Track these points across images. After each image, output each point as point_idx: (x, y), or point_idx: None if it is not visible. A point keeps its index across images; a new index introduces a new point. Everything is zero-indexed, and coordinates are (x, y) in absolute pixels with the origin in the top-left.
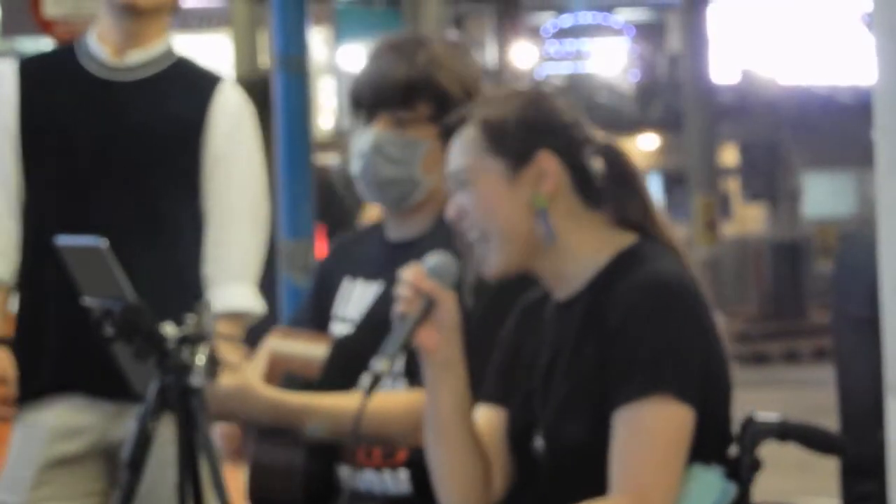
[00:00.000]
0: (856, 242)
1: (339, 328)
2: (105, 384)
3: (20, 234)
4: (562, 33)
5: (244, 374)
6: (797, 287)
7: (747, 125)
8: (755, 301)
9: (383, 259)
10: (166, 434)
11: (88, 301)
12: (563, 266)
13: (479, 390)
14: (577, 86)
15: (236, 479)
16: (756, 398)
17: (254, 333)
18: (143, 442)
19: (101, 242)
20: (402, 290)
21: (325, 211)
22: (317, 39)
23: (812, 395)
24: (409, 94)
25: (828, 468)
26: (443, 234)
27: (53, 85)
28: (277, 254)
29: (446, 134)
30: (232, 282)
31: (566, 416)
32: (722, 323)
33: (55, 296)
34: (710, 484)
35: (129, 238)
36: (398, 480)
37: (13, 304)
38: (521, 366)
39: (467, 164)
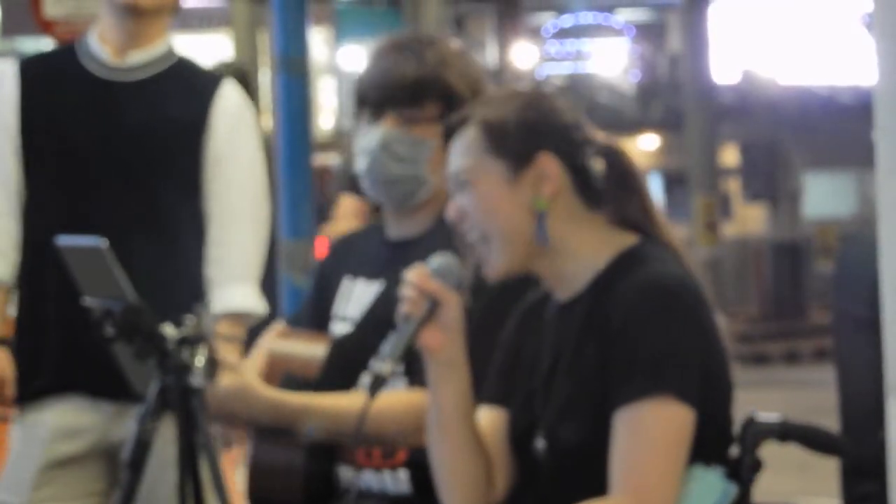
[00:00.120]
0: (856, 243)
1: (340, 327)
2: (106, 384)
3: (20, 234)
4: (562, 33)
5: (244, 375)
6: (797, 287)
7: (748, 125)
8: (755, 301)
9: (384, 258)
10: (167, 434)
11: (89, 301)
12: (563, 267)
13: (480, 391)
14: (577, 86)
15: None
16: (756, 398)
17: (255, 333)
18: (144, 442)
19: (101, 243)
20: (406, 291)
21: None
22: (317, 40)
23: (812, 396)
24: (418, 92)
25: (828, 469)
26: (443, 234)
27: (54, 85)
28: (278, 254)
29: (449, 133)
30: (233, 282)
31: (567, 417)
32: (723, 324)
33: (55, 296)
34: (710, 484)
35: (129, 238)
36: (398, 480)
37: (12, 304)
38: (522, 366)
39: (468, 164)
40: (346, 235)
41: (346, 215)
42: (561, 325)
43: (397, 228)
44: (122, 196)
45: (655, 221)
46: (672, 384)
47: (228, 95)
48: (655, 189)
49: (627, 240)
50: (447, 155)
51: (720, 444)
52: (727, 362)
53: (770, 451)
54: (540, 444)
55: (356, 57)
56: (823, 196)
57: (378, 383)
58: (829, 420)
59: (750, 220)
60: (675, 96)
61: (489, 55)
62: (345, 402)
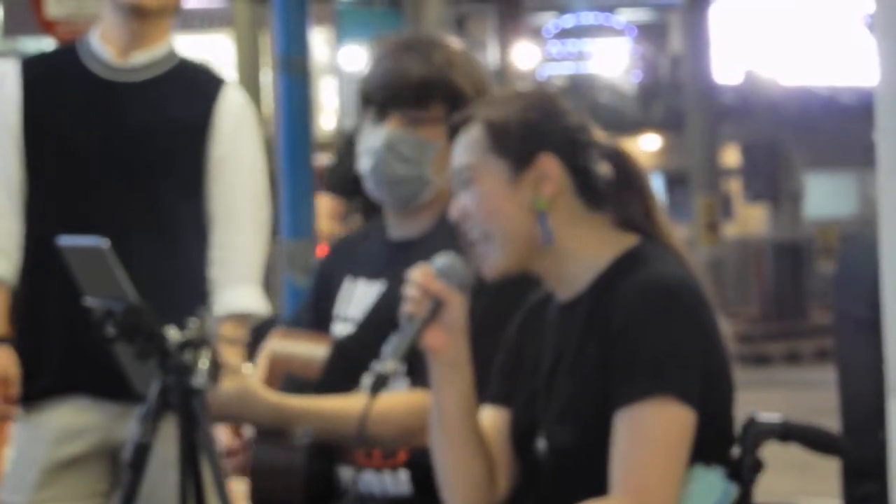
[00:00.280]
0: (857, 243)
1: (341, 328)
2: (108, 385)
3: (22, 234)
4: (564, 34)
5: (245, 378)
6: (798, 288)
7: (749, 126)
8: (756, 302)
9: (385, 258)
10: (168, 435)
11: (90, 301)
12: (564, 267)
13: (481, 390)
14: (578, 86)
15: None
16: (757, 399)
17: (258, 334)
18: (145, 442)
19: (102, 243)
20: (410, 291)
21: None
22: (318, 40)
23: (813, 396)
24: (424, 93)
25: (829, 469)
26: (446, 234)
27: (56, 85)
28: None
29: (453, 132)
30: (237, 283)
31: (568, 417)
32: (725, 325)
33: (57, 296)
34: (711, 484)
35: (130, 238)
36: (398, 481)
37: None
38: (524, 367)
39: (470, 162)
40: (347, 235)
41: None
42: (562, 326)
43: (399, 229)
44: (124, 196)
45: (657, 223)
46: (673, 385)
47: (231, 97)
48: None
49: (628, 240)
50: (451, 152)
51: (721, 445)
52: (728, 363)
53: (771, 452)
54: (541, 444)
55: (357, 57)
56: (824, 196)
57: (380, 382)
58: (830, 420)
59: (751, 220)
60: (676, 96)
61: (490, 55)
62: (346, 404)
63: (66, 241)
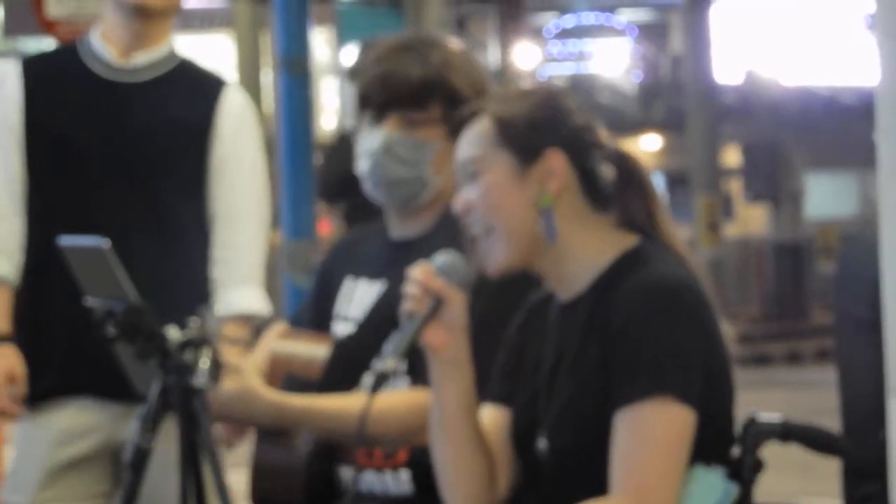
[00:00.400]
0: (858, 244)
1: (342, 328)
2: (111, 385)
3: (24, 234)
4: (564, 34)
5: (246, 377)
6: (799, 288)
7: (750, 126)
8: (757, 302)
9: (386, 258)
10: (170, 435)
11: (90, 301)
12: (565, 267)
13: (481, 388)
14: (579, 86)
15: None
16: (758, 399)
17: (258, 334)
18: (145, 443)
19: (103, 243)
20: (410, 289)
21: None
22: (319, 40)
23: (814, 396)
24: (422, 94)
25: (830, 469)
26: (447, 234)
27: (58, 85)
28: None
29: (453, 132)
30: (239, 284)
31: (569, 417)
32: (727, 329)
33: (60, 297)
34: (711, 485)
35: (131, 238)
36: (399, 481)
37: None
38: (525, 366)
39: (477, 154)
40: (348, 236)
41: None
42: (563, 326)
43: (400, 229)
44: (125, 196)
45: (659, 223)
46: (673, 385)
47: (233, 98)
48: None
49: (630, 240)
50: (453, 152)
51: (721, 445)
52: (729, 363)
53: (771, 452)
54: (542, 443)
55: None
56: (825, 196)
57: (381, 380)
58: (831, 420)
59: (751, 220)
60: (676, 97)
61: (491, 56)
62: (347, 404)
63: (66, 241)
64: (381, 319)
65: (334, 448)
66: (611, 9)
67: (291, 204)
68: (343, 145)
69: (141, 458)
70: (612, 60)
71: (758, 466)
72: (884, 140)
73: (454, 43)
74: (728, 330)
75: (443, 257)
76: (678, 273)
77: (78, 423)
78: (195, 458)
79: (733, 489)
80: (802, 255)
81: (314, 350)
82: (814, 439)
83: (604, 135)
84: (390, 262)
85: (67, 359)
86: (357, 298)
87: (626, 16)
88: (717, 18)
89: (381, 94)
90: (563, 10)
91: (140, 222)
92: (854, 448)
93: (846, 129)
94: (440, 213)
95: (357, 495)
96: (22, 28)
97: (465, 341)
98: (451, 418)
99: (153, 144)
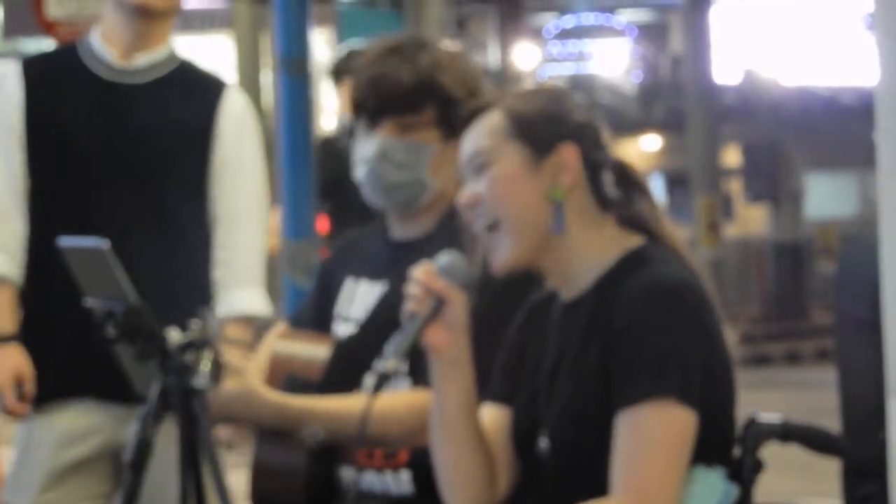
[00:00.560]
0: (858, 244)
1: (342, 328)
2: (113, 387)
3: (26, 235)
4: (564, 34)
5: (247, 378)
6: (799, 288)
7: (750, 126)
8: (757, 302)
9: (386, 259)
10: (170, 435)
11: (90, 302)
12: (569, 265)
13: (482, 388)
14: (579, 87)
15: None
16: (758, 399)
17: (259, 335)
18: (145, 443)
19: (102, 243)
20: (412, 289)
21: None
22: (319, 41)
23: (814, 396)
24: (414, 98)
25: (830, 469)
26: (448, 234)
27: (58, 86)
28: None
29: (451, 134)
30: (241, 285)
31: (570, 417)
32: (729, 332)
33: (61, 297)
34: (712, 485)
35: (131, 239)
36: (400, 481)
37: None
38: (526, 366)
39: (487, 146)
40: (349, 236)
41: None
42: (565, 325)
43: (401, 230)
44: (125, 197)
45: (660, 224)
46: (674, 386)
47: (233, 100)
48: (657, 190)
49: (633, 241)
50: (450, 154)
51: (722, 446)
52: (730, 363)
53: (771, 452)
54: (543, 443)
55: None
56: (825, 197)
57: (382, 381)
58: (831, 421)
59: (751, 220)
60: (676, 97)
61: (491, 56)
62: (348, 404)
63: (66, 241)
64: (383, 320)
65: (335, 448)
66: (611, 9)
67: (291, 204)
68: (327, 150)
69: (142, 454)
70: (612, 61)
71: (758, 467)
72: (884, 140)
73: (444, 44)
74: (729, 335)
75: (444, 258)
76: (681, 274)
77: (80, 424)
78: (195, 458)
79: (733, 490)
80: (802, 255)
81: (315, 350)
82: (814, 439)
83: (606, 137)
84: (391, 262)
85: (69, 360)
86: (358, 299)
87: (625, 16)
88: (716, 19)
89: (373, 101)
90: (563, 10)
91: (140, 223)
92: (854, 448)
93: (846, 129)
94: (441, 215)
95: (359, 496)
96: (22, 29)
97: (466, 341)
98: (451, 418)
99: (154, 146)
